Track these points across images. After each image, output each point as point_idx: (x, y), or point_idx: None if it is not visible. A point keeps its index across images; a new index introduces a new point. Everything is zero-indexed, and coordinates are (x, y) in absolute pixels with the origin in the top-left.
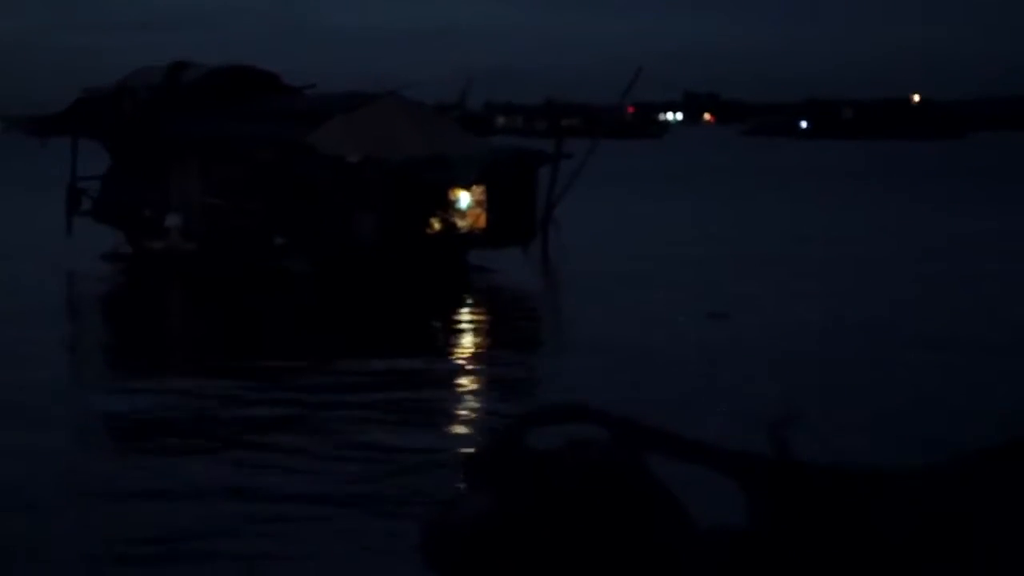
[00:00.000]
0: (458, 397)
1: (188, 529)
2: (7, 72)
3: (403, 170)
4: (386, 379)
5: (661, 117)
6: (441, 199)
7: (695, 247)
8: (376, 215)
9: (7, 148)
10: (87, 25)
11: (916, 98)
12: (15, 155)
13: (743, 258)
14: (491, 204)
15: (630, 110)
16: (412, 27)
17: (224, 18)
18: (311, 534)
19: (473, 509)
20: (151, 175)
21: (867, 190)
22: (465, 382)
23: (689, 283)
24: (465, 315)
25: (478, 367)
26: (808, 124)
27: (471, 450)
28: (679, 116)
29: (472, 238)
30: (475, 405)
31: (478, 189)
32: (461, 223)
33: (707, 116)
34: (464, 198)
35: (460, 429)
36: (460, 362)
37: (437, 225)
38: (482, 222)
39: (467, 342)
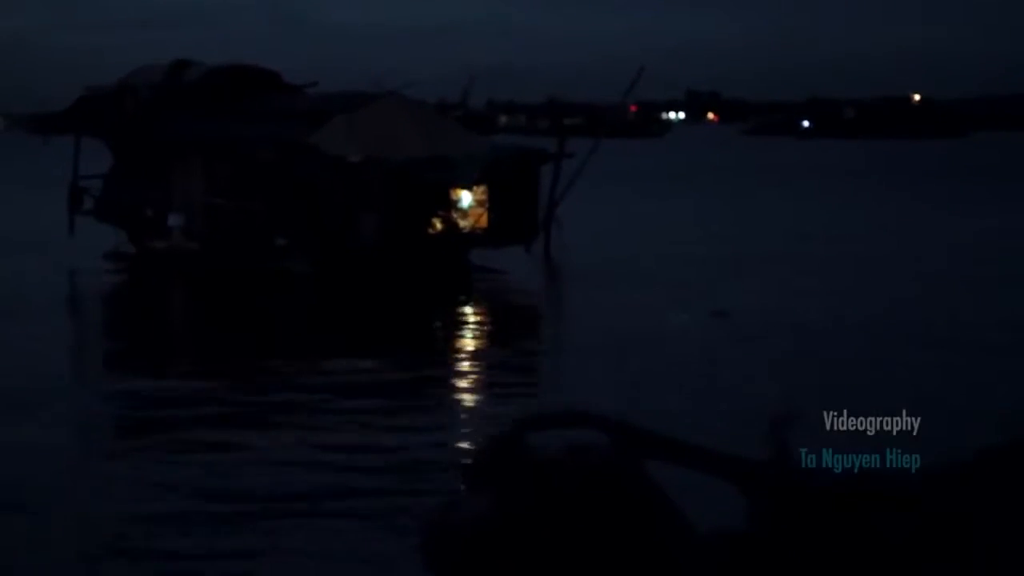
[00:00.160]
0: (459, 397)
1: (188, 528)
2: (8, 70)
3: (404, 170)
4: (386, 379)
5: (663, 116)
6: (443, 199)
7: (697, 246)
8: (378, 215)
9: (9, 146)
10: (87, 23)
11: (917, 97)
12: (17, 153)
13: (745, 257)
14: (493, 203)
15: (632, 109)
16: (413, 25)
17: (224, 15)
18: (311, 533)
19: (473, 510)
20: (153, 175)
21: (868, 189)
22: (466, 382)
23: (691, 281)
24: (467, 315)
25: (479, 367)
26: (809, 123)
27: (471, 451)
28: (681, 115)
29: (474, 238)
30: (476, 405)
31: (480, 188)
32: (463, 223)
33: (711, 115)
34: (466, 197)
35: (460, 429)
36: (461, 362)
37: (439, 225)
38: (484, 221)
39: (468, 342)
